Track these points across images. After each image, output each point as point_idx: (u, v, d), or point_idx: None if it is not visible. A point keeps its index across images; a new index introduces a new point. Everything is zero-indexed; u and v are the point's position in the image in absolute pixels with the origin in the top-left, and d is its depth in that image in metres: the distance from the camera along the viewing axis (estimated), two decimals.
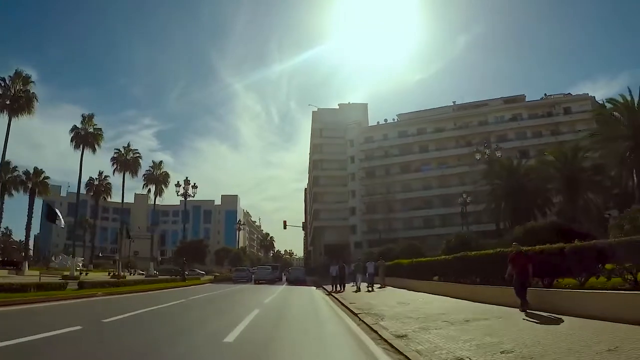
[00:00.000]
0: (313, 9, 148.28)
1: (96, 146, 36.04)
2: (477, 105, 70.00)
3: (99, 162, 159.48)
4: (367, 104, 77.59)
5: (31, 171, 41.03)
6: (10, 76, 35.27)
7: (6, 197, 38.94)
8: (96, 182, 53.20)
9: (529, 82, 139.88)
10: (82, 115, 36.20)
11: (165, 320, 9.38)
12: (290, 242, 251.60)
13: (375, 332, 7.44)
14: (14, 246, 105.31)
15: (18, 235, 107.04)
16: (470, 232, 23.77)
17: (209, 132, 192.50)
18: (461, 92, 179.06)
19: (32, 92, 32.67)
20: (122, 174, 43.09)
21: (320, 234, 68.94)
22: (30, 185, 41.99)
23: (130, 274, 53.24)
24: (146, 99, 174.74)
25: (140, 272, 55.72)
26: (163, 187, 50.37)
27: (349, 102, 74.76)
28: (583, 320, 7.48)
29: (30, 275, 26.14)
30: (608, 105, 29.54)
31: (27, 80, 34.92)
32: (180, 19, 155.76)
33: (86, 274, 41.83)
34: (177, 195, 31.91)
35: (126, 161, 43.31)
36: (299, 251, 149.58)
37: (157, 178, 48.40)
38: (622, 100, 26.53)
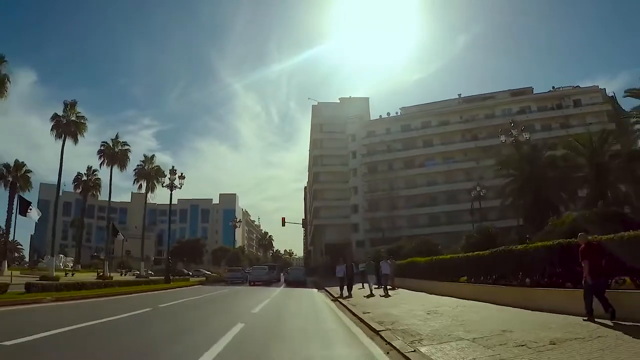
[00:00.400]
0: (312, 9, 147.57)
1: (79, 136, 33.05)
2: (484, 97, 67.22)
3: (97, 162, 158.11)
4: (368, 97, 74.35)
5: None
6: None
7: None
8: (84, 178, 50.40)
9: (529, 82, 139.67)
10: (64, 102, 33.26)
11: (77, 347, 6.09)
12: (290, 242, 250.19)
13: None
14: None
15: (17, 235, 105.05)
16: (493, 227, 21.05)
17: (209, 132, 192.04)
18: (461, 91, 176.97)
19: (4, 74, 29.52)
20: (109, 168, 40.10)
21: (320, 233, 65.95)
22: (10, 180, 39.12)
23: (122, 274, 50.67)
24: (146, 99, 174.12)
25: (137, 272, 53.20)
26: (155, 182, 47.44)
27: (350, 96, 71.66)
28: None
29: (4, 276, 23.92)
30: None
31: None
32: (179, 19, 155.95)
33: (72, 275, 39.41)
34: (162, 186, 29.11)
35: (114, 154, 40.36)
36: (298, 251, 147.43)
37: (149, 173, 45.44)
38: None
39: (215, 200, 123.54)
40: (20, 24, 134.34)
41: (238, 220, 57.32)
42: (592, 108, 60.14)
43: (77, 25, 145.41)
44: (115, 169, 41.08)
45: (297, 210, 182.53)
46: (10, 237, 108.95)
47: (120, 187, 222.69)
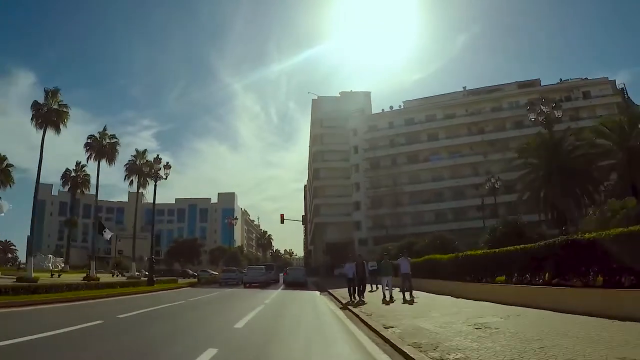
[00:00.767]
0: (312, 9, 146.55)
1: (61, 126, 30.50)
2: (490, 90, 64.76)
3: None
4: (370, 92, 71.69)
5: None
6: None
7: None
8: (73, 174, 47.92)
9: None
10: (45, 90, 30.66)
11: None
12: (290, 242, 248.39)
13: None
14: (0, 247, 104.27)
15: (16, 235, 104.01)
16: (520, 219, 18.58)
17: (209, 133, 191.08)
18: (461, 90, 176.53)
19: None
20: (97, 163, 37.49)
21: (321, 231, 63.34)
22: None
23: (113, 275, 48.25)
24: (145, 100, 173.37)
25: (126, 273, 50.72)
26: (147, 179, 44.87)
27: (351, 90, 69.03)
28: None
29: None
30: None
31: None
32: (179, 19, 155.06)
33: (59, 276, 37.10)
34: (149, 176, 26.63)
35: (102, 147, 37.81)
36: (299, 251, 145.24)
37: (141, 168, 42.90)
38: None
39: (214, 200, 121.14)
40: (20, 25, 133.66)
41: (234, 218, 54.82)
42: (602, 100, 57.89)
43: (76, 25, 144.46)
44: (105, 165, 38.32)
45: (297, 210, 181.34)
46: (5, 238, 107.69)
47: (119, 187, 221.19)
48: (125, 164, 44.34)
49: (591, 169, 24.91)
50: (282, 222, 39.97)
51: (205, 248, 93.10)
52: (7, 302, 11.21)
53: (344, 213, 61.37)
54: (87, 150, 38.55)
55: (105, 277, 37.77)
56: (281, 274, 33.89)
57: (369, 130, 63.20)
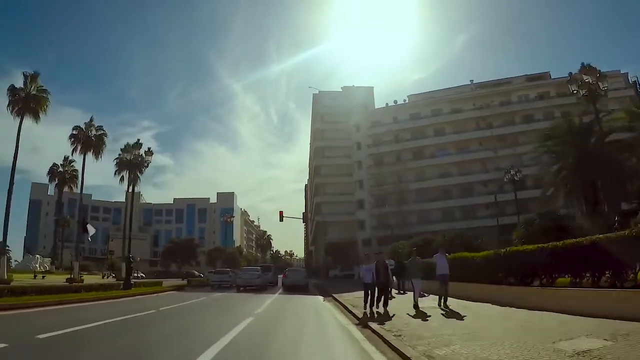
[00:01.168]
0: (311, 9, 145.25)
1: (40, 113, 27.90)
2: (499, 83, 62.20)
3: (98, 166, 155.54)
4: (373, 87, 69.24)
5: None
6: None
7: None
8: (60, 169, 45.29)
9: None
10: (24, 74, 28.10)
11: None
12: (291, 244, 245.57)
13: None
14: None
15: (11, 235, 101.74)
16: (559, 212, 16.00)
17: (208, 134, 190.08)
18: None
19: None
20: (82, 156, 34.91)
21: (322, 231, 60.54)
22: None
23: (103, 277, 45.80)
24: (145, 101, 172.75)
25: (113, 273, 48.19)
26: (139, 173, 42.25)
27: (353, 85, 66.35)
28: None
29: None
30: None
31: None
32: (178, 19, 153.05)
33: (42, 277, 34.82)
34: (124, 161, 24.05)
35: (88, 139, 35.18)
36: (299, 252, 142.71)
37: (131, 163, 40.21)
38: None
39: (213, 200, 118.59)
40: (19, 26, 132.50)
41: (231, 216, 52.18)
42: (615, 93, 55.23)
43: (75, 26, 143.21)
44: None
45: (297, 211, 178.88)
46: None
47: (117, 187, 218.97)
48: (115, 159, 41.55)
49: (624, 158, 22.28)
50: (280, 219, 37.34)
51: (204, 249, 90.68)
52: None
53: (347, 212, 58.70)
54: (72, 142, 35.95)
55: (94, 279, 35.21)
56: (280, 276, 31.08)
57: (372, 126, 60.57)
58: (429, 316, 9.65)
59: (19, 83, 28.62)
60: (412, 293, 12.21)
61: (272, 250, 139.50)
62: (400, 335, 6.64)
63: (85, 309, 12.28)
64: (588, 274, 8.22)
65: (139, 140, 22.48)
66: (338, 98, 63.25)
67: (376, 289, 11.04)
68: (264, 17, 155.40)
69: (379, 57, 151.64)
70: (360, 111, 61.10)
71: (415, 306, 11.06)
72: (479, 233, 28.62)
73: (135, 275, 59.45)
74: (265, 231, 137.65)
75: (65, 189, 47.67)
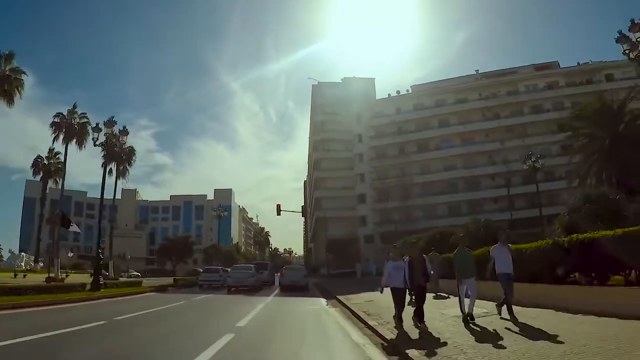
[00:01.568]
0: (310, 6, 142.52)
1: (15, 96, 25.38)
2: (505, 73, 59.77)
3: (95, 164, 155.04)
4: (374, 78, 66.64)
5: None
6: None
7: None
8: (44, 161, 42.81)
9: None
10: None
11: None
12: (291, 241, 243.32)
13: None
14: None
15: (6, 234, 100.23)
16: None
17: (207, 132, 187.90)
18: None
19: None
20: (65, 146, 32.41)
21: (322, 227, 58.01)
22: None
23: (91, 276, 43.42)
24: (142, 100, 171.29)
25: (106, 273, 45.75)
26: (127, 165, 39.81)
27: (354, 76, 63.71)
28: None
29: None
30: None
31: None
32: (175, 18, 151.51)
33: (24, 276, 32.61)
34: (95, 145, 21.64)
35: (71, 127, 32.66)
36: (299, 250, 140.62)
37: (119, 154, 37.70)
38: None
39: (210, 197, 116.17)
40: (18, 26, 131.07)
41: (224, 210, 49.70)
42: (627, 83, 52.87)
43: (74, 26, 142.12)
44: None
45: (296, 209, 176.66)
46: None
47: (113, 185, 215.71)
48: (102, 149, 39.20)
49: None
50: (278, 213, 34.91)
51: (201, 246, 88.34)
52: None
53: (348, 207, 56.26)
54: (54, 130, 33.39)
55: (83, 278, 32.48)
56: (277, 274, 28.57)
57: (374, 117, 58.06)
58: (500, 338, 6.39)
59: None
60: (452, 297, 9.07)
61: (271, 248, 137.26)
62: None
63: (9, 318, 9.40)
64: None
65: (112, 117, 19.93)
66: (338, 89, 60.68)
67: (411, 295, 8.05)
68: (261, 15, 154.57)
69: (378, 55, 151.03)
70: (362, 101, 58.60)
71: (465, 320, 7.87)
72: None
73: (128, 273, 57.40)
74: (263, 228, 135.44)
75: (52, 185, 45.24)
